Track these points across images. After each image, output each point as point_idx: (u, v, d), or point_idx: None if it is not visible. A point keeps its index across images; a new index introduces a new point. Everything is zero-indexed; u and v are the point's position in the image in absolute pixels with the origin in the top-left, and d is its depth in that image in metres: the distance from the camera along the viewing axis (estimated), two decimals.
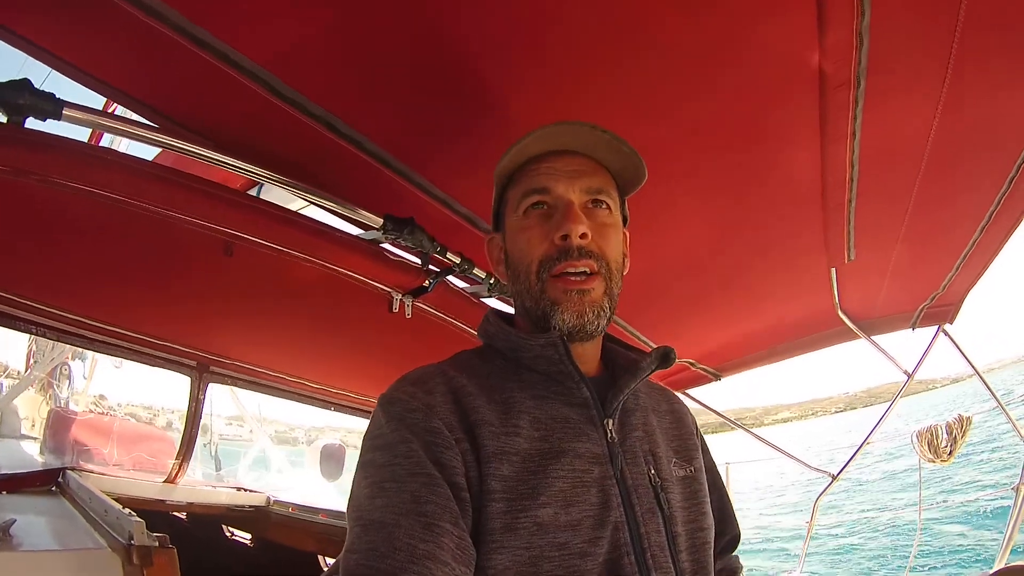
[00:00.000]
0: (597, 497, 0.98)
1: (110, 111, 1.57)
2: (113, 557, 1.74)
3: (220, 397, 4.30)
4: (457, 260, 2.02)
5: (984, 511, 15.77)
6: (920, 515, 5.99)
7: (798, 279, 3.04)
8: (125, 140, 1.77)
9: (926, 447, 5.47)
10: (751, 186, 2.02)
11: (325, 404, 3.57)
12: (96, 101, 1.65)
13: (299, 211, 1.87)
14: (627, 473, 1.03)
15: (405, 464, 0.89)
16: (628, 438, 1.08)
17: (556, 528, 0.92)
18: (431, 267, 2.05)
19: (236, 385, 3.34)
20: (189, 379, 3.20)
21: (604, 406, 1.07)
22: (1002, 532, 4.55)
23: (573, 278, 1.06)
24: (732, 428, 5.10)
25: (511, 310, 1.27)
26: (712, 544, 1.14)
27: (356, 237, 1.87)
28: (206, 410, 3.38)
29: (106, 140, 2.98)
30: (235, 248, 1.78)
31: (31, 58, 1.26)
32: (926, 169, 2.05)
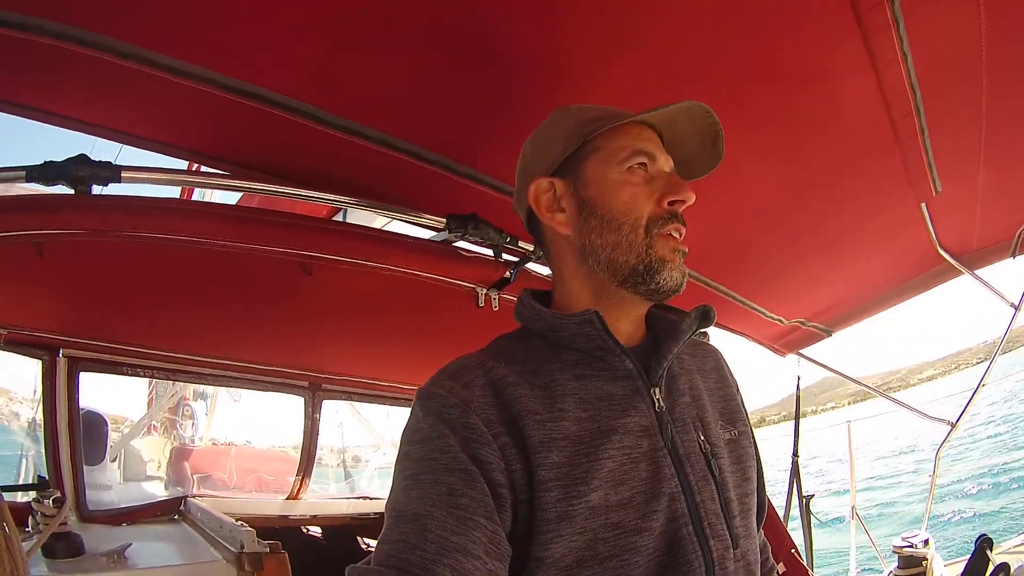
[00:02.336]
0: (647, 471, 0.97)
1: (193, 169, 1.73)
2: (227, 567, 1.83)
3: (342, 411, 4.44)
4: (531, 248, 2.05)
5: None
6: None
7: (890, 220, 2.92)
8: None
9: None
10: (816, 133, 1.98)
11: None
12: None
13: (381, 228, 1.95)
14: (678, 442, 1.02)
15: (442, 459, 0.89)
16: (676, 405, 1.07)
17: (608, 509, 0.92)
18: (507, 258, 2.09)
19: (349, 399, 3.48)
20: (303, 399, 3.34)
21: (649, 374, 1.05)
22: None
23: (679, 239, 1.06)
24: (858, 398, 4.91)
25: None
26: (755, 510, 1.15)
27: (427, 240, 1.94)
28: (332, 426, 3.53)
29: (197, 194, 3.17)
30: (314, 268, 1.86)
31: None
32: (988, 78, 1.94)
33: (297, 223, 1.74)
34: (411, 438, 0.96)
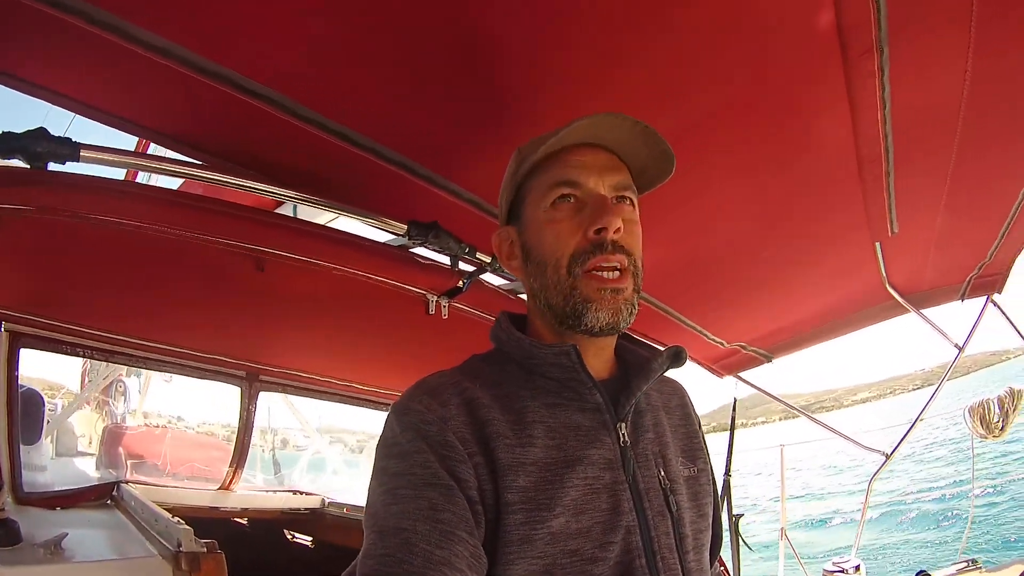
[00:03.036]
0: (607, 503, 0.98)
1: (142, 150, 1.66)
2: (163, 564, 1.80)
3: (276, 405, 4.37)
4: (488, 259, 2.02)
5: None
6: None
7: (843, 255, 2.98)
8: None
9: (978, 423, 5.34)
10: (786, 164, 1.99)
11: (374, 405, 3.66)
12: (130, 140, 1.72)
13: (327, 224, 1.91)
14: (639, 476, 1.03)
15: (421, 474, 0.89)
16: (640, 440, 1.08)
17: (567, 536, 0.93)
18: (464, 267, 2.05)
19: (286, 392, 3.43)
20: (240, 389, 3.29)
21: (616, 409, 1.06)
22: None
23: (607, 276, 1.02)
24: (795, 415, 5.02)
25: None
26: (709, 545, 1.15)
27: (384, 244, 1.89)
28: (264, 418, 3.48)
29: (143, 177, 3.09)
30: (266, 264, 1.82)
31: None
32: (962, 133, 1.99)
33: (254, 217, 1.69)
34: (388, 452, 0.95)
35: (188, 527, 1.87)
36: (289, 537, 3.51)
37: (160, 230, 1.57)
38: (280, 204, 2.13)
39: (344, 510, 3.45)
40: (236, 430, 3.46)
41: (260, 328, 2.58)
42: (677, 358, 1.12)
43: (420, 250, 1.97)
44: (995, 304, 3.95)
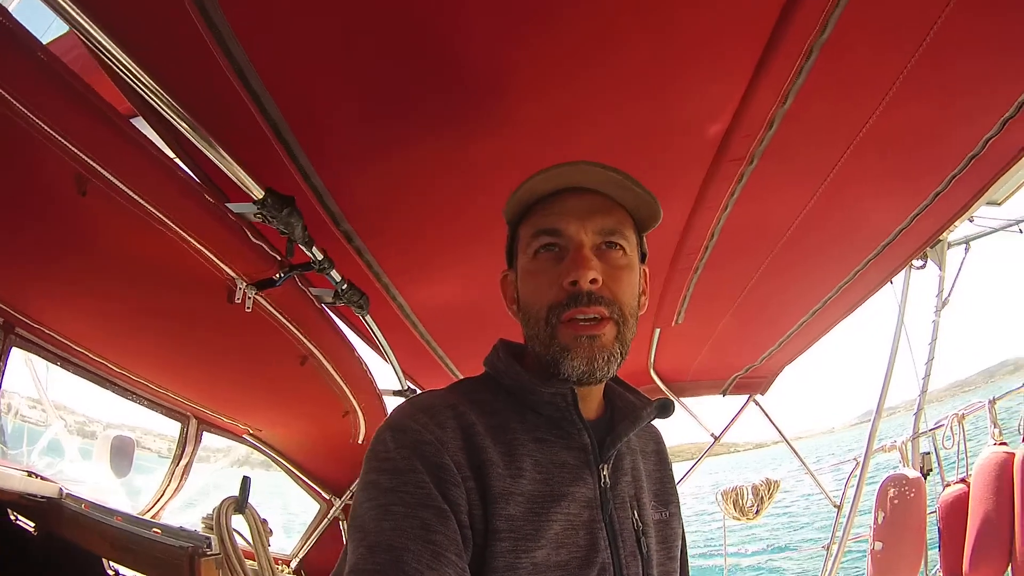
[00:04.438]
0: (585, 539, 0.99)
1: None
2: None
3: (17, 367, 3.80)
4: (320, 256, 1.88)
5: None
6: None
7: None
8: None
9: (731, 506, 5.87)
10: None
11: (123, 391, 3.15)
12: None
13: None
14: (615, 517, 1.05)
15: (416, 493, 0.89)
16: (619, 483, 1.09)
17: (548, 568, 0.94)
18: (287, 259, 1.85)
19: (44, 356, 2.84)
20: None
21: (600, 450, 1.08)
22: None
23: (583, 323, 1.01)
24: None
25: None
26: None
27: (225, 207, 1.69)
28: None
29: None
30: (89, 188, 1.52)
31: None
32: (779, 252, 2.21)
33: (94, 106, 1.35)
34: (380, 467, 0.93)
35: None
36: (12, 518, 3.08)
37: None
38: (135, 115, 1.58)
39: (83, 506, 3.07)
40: None
41: (27, 266, 2.03)
42: (664, 410, 1.15)
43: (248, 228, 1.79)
44: (756, 403, 4.48)
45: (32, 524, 2.83)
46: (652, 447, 1.27)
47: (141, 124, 1.51)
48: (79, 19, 1.07)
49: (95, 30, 1.10)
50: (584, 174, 1.06)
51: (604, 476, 1.06)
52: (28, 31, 1.19)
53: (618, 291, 1.04)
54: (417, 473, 0.91)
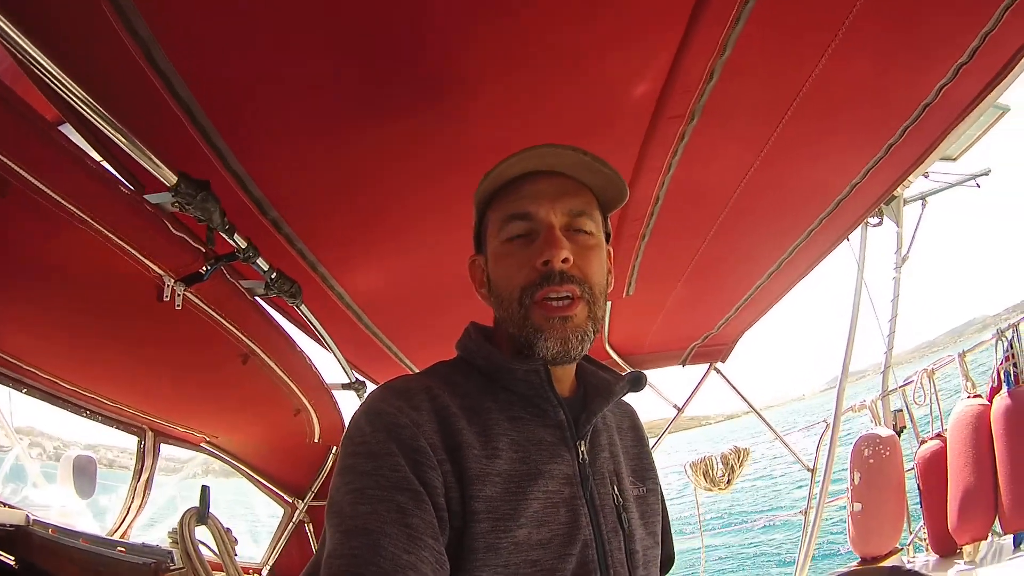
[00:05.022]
0: (567, 516, 1.00)
1: None
2: None
3: None
4: (244, 244, 1.81)
5: None
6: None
7: None
8: None
9: (701, 477, 5.88)
10: None
11: (77, 409, 3.06)
12: None
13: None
14: (595, 493, 1.06)
15: (391, 476, 0.89)
16: (597, 459, 1.10)
17: (529, 547, 0.94)
18: (211, 249, 1.83)
19: None
20: None
21: (576, 427, 1.08)
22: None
23: (555, 304, 1.03)
24: None
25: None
26: (658, 562, 1.19)
27: (142, 197, 1.60)
28: None
29: None
30: (10, 188, 1.43)
31: None
32: (728, 214, 2.16)
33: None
34: (356, 451, 0.93)
35: None
36: None
37: None
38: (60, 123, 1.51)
39: (49, 531, 2.97)
40: None
41: None
42: (637, 383, 1.16)
43: (168, 220, 1.68)
44: (718, 371, 4.45)
45: (11, 557, 2.77)
46: (628, 423, 1.29)
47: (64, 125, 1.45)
48: None
49: None
50: (554, 157, 1.08)
51: (582, 452, 1.08)
52: None
53: (588, 270, 1.07)
54: (393, 456, 0.91)
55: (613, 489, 1.10)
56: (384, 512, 0.85)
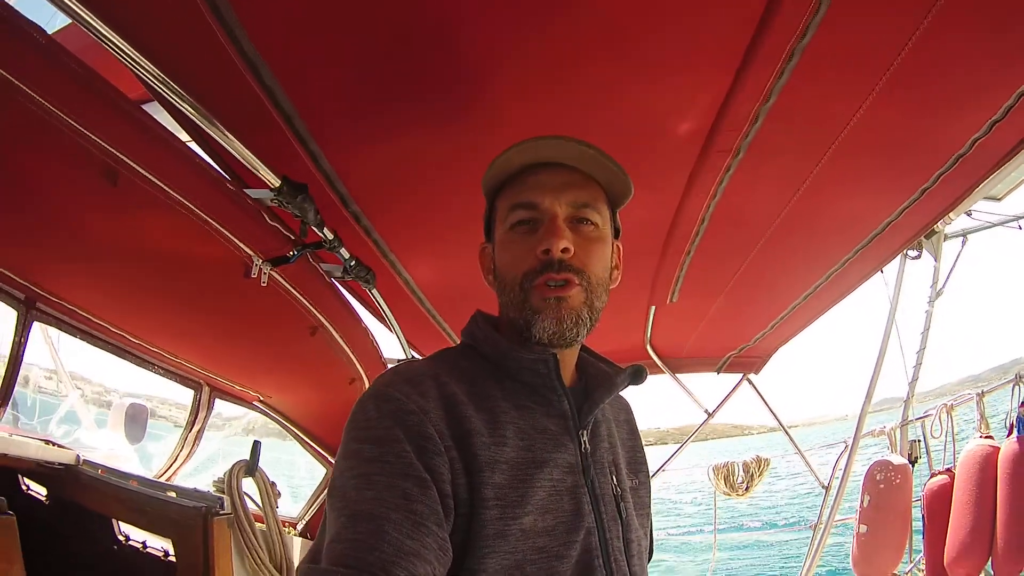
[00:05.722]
0: (570, 505, 1.02)
1: None
2: None
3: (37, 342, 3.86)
4: (331, 236, 1.98)
5: None
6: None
7: (619, 313, 3.27)
8: None
9: (722, 481, 6.00)
10: None
11: (139, 361, 3.21)
12: None
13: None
14: (596, 482, 1.08)
15: (397, 463, 0.89)
16: (598, 449, 1.12)
17: (536, 533, 0.96)
18: (301, 238, 2.01)
19: (65, 329, 2.94)
20: (16, 313, 2.79)
21: (579, 417, 1.11)
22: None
23: (551, 286, 1.05)
24: None
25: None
26: (646, 553, 1.22)
27: (244, 192, 1.79)
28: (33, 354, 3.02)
29: None
30: (120, 179, 1.60)
31: None
32: (767, 240, 2.29)
33: (116, 102, 1.43)
34: (362, 436, 0.94)
35: None
36: (24, 487, 3.17)
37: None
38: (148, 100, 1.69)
39: (99, 472, 3.12)
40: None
41: (51, 241, 2.08)
42: (637, 376, 1.17)
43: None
44: (750, 382, 4.55)
45: (45, 492, 2.86)
46: (623, 416, 1.33)
47: (166, 119, 1.60)
48: (88, 18, 1.14)
49: (106, 30, 1.17)
50: (560, 148, 1.11)
51: (584, 442, 1.09)
52: (42, 28, 1.24)
53: (588, 262, 1.08)
54: (399, 443, 0.91)
55: (612, 479, 1.12)
56: (389, 498, 0.85)
